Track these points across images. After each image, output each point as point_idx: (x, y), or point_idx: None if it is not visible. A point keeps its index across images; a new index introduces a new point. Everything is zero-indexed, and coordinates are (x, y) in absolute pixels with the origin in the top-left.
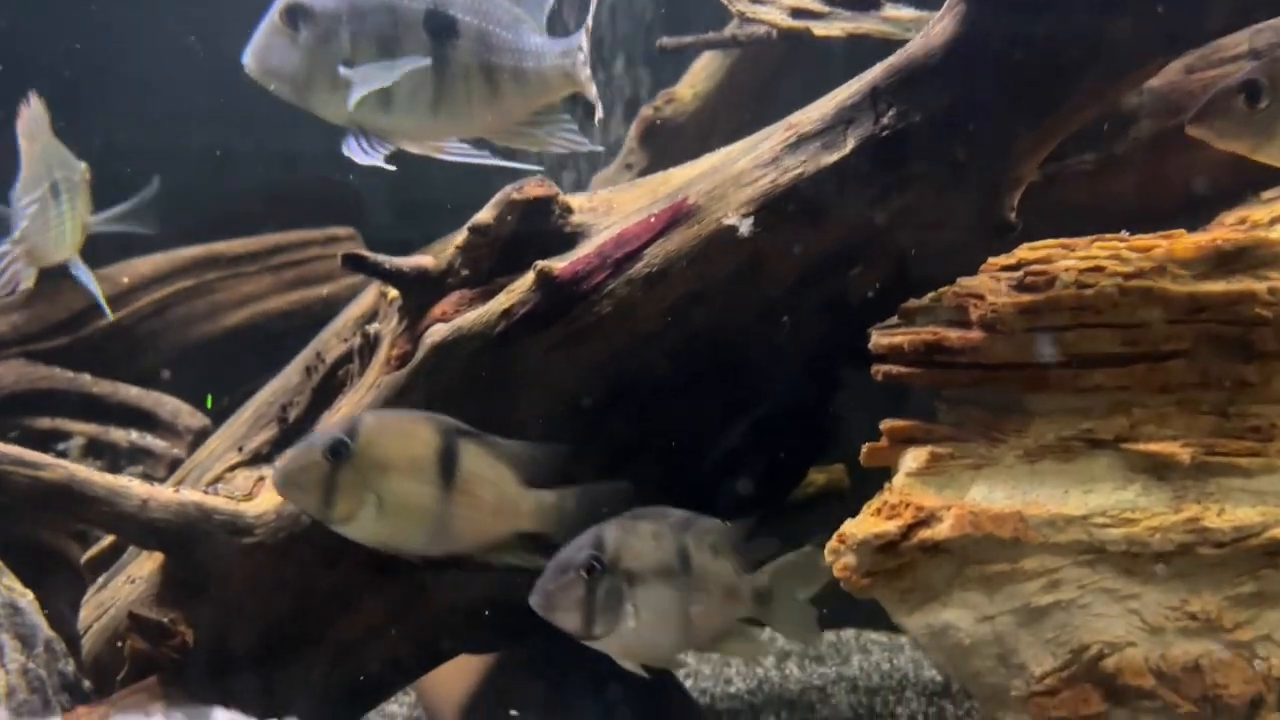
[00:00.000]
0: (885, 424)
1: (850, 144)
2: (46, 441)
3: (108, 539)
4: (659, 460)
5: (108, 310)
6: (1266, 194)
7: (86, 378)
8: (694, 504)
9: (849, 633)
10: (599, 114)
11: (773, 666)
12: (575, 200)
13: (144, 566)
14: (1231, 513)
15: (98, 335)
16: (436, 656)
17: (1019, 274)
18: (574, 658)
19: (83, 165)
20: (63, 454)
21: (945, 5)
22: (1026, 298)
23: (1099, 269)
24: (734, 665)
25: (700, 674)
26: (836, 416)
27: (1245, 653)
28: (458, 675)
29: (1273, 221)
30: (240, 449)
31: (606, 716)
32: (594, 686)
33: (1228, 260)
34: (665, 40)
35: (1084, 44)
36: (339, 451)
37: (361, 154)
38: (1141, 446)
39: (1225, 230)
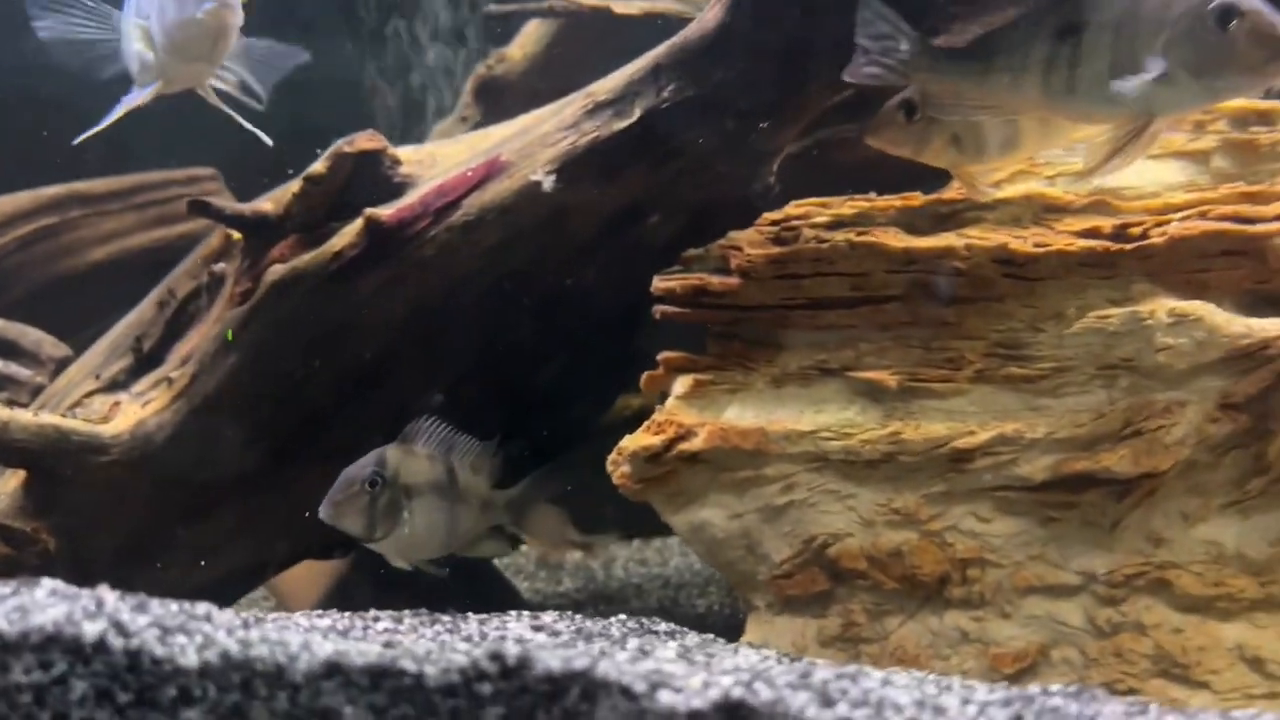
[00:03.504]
0: (661, 355)
1: (637, 113)
2: None
3: None
4: (483, 388)
5: None
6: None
7: None
8: (518, 426)
9: (675, 539)
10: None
11: (600, 568)
12: (404, 153)
13: (8, 484)
14: (926, 428)
15: None
16: (283, 561)
17: (777, 229)
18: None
19: None
20: None
21: None
22: (776, 250)
23: (841, 224)
24: (566, 567)
25: (537, 576)
26: (642, 350)
27: (936, 540)
28: (307, 576)
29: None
30: (98, 376)
31: (438, 599)
32: (423, 582)
33: (944, 218)
34: (493, 6)
35: (828, 34)
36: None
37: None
38: (861, 374)
39: (950, 193)
